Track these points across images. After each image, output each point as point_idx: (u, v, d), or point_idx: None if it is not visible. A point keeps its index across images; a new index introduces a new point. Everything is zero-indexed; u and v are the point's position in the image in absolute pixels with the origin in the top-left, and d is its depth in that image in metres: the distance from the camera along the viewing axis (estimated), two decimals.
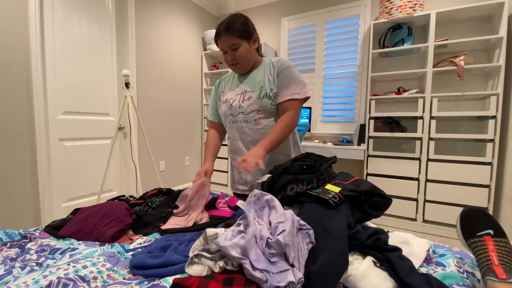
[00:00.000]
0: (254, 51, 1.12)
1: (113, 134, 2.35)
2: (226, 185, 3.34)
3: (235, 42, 1.05)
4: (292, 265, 0.54)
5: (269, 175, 0.90)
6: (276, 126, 1.05)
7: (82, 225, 0.86)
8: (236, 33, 1.04)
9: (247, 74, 1.16)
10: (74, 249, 0.74)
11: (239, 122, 1.13)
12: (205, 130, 3.54)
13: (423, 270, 0.64)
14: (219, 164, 3.36)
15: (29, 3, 1.76)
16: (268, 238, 0.56)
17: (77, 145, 2.16)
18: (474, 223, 0.60)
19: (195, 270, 0.58)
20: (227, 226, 0.81)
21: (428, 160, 2.16)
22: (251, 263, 0.52)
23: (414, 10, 2.19)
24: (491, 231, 0.57)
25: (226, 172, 3.33)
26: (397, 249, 0.63)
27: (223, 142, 1.30)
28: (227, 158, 3.21)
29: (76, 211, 1.02)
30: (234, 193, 1.26)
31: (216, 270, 0.57)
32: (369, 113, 2.36)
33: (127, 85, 2.03)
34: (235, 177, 1.24)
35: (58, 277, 0.56)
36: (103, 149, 2.35)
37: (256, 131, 1.11)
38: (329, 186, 0.80)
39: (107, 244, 0.79)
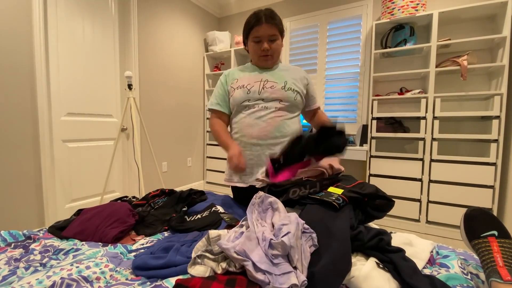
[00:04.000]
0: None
1: (116, 136, 2.36)
2: (229, 186, 3.33)
3: (275, 33, 1.09)
4: (295, 267, 0.54)
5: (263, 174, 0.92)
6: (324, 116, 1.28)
7: (85, 226, 0.86)
8: (278, 25, 1.09)
9: (268, 68, 1.18)
10: (77, 249, 0.75)
11: (256, 107, 1.11)
12: (207, 131, 3.53)
13: (427, 271, 0.64)
14: (220, 164, 3.36)
15: (32, 6, 1.78)
16: (271, 239, 0.56)
17: (80, 146, 2.18)
18: (478, 224, 0.60)
19: (198, 270, 0.58)
20: (230, 227, 0.81)
21: (431, 160, 2.14)
22: (253, 265, 0.52)
23: (416, 10, 2.18)
24: (495, 232, 0.56)
25: None
26: (400, 250, 0.62)
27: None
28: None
29: (79, 212, 1.02)
30: (232, 187, 1.25)
31: (219, 271, 0.57)
32: (372, 113, 2.35)
33: (129, 86, 2.04)
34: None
35: (61, 278, 0.57)
36: (106, 150, 2.37)
37: (273, 119, 1.10)
38: (331, 189, 0.80)
39: (110, 244, 0.80)
